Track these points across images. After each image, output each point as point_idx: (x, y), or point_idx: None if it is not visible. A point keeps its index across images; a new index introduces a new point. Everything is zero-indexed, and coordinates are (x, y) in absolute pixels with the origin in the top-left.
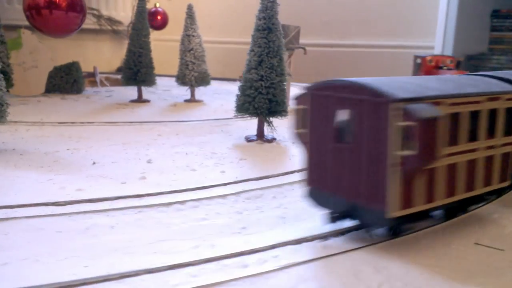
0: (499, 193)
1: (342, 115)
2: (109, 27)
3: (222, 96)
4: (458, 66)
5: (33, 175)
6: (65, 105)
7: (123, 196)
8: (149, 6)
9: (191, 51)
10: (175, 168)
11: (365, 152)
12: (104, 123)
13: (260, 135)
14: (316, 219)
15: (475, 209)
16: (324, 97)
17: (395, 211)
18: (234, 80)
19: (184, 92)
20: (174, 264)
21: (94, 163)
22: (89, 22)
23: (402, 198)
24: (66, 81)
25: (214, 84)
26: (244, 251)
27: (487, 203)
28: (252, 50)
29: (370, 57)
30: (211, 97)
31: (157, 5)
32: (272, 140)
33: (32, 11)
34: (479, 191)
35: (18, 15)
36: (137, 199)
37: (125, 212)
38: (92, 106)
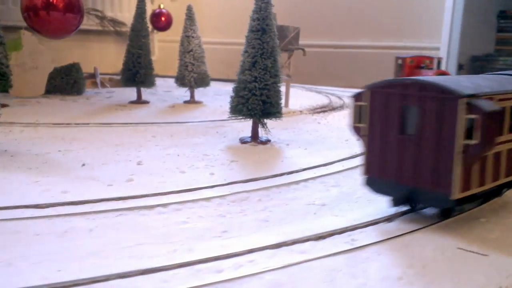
0: None
1: (407, 110)
2: (112, 28)
3: (222, 97)
4: (439, 65)
5: (21, 177)
6: (64, 106)
7: (105, 198)
8: (154, 7)
9: (191, 52)
10: (165, 170)
11: (431, 142)
12: (99, 125)
13: (255, 136)
14: (299, 222)
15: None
16: (386, 94)
17: (456, 194)
18: None
19: (184, 93)
20: (147, 269)
21: (83, 164)
22: (93, 24)
23: (462, 182)
24: (66, 82)
25: (217, 85)
26: (220, 255)
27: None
28: (246, 51)
29: (375, 58)
30: (212, 98)
31: (161, 6)
32: (267, 142)
33: (29, 13)
34: None
35: (18, 16)
36: (120, 201)
37: (106, 215)
38: (91, 107)
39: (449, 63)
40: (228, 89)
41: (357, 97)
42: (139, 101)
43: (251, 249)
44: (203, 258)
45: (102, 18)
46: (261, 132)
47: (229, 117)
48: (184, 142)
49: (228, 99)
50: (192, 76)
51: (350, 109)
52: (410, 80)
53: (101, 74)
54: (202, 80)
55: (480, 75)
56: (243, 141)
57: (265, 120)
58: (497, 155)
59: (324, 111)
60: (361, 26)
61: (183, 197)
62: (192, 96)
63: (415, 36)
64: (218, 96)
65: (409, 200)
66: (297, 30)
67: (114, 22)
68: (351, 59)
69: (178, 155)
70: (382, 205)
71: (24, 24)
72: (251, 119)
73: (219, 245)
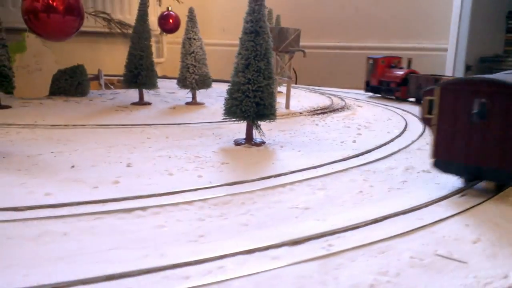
0: None
1: (476, 103)
2: (119, 31)
3: None
4: (409, 65)
5: (7, 179)
6: (65, 108)
7: (84, 201)
8: (162, 9)
9: (192, 54)
10: (153, 172)
11: (498, 128)
12: (96, 126)
13: (249, 138)
14: (278, 227)
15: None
16: (457, 90)
17: None
18: None
19: (188, 94)
20: (111, 275)
21: (72, 166)
22: (100, 26)
23: None
24: (70, 83)
25: (224, 86)
26: (190, 261)
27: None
28: (239, 53)
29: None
30: (214, 100)
31: (170, 8)
32: (261, 144)
33: (30, 15)
34: None
35: (22, 19)
36: (100, 204)
37: (82, 219)
38: (92, 108)
39: (457, 64)
40: None
41: (427, 92)
42: (141, 102)
43: (222, 255)
44: (172, 264)
45: (109, 20)
46: (256, 134)
47: (223, 119)
48: (178, 144)
49: None
50: (193, 78)
51: (421, 102)
52: (479, 79)
53: (108, 75)
54: (204, 82)
55: (500, 73)
56: (237, 143)
57: (260, 122)
58: None
59: (324, 113)
60: (369, 27)
61: (164, 200)
62: (194, 97)
63: (422, 37)
64: (221, 97)
65: (475, 176)
66: (298, 31)
67: (121, 24)
68: (358, 60)
69: (170, 157)
70: (368, 208)
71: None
72: (244, 121)
73: (193, 250)
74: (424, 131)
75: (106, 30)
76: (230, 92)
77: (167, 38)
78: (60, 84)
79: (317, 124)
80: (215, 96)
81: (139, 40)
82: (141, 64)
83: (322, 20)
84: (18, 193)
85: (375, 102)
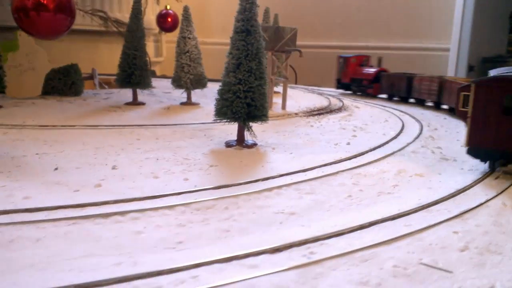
0: None
1: (507, 98)
2: (115, 29)
3: None
4: (380, 63)
5: None
6: (57, 108)
7: (62, 205)
8: (160, 8)
9: (187, 53)
10: (139, 175)
11: None
12: (85, 127)
13: (240, 140)
14: (261, 233)
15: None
16: (490, 87)
17: None
18: None
19: (184, 95)
20: (79, 284)
21: (56, 168)
22: (97, 24)
23: None
24: (64, 83)
25: None
26: (163, 270)
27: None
28: (230, 53)
29: (385, 58)
30: (210, 100)
31: (168, 7)
32: (252, 145)
33: (20, 13)
34: None
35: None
36: (78, 209)
37: (57, 224)
38: (84, 108)
39: (459, 64)
40: None
41: (463, 88)
42: (135, 102)
43: (197, 264)
44: (145, 272)
45: (105, 19)
46: (247, 135)
47: (213, 121)
48: (168, 145)
49: None
50: (188, 77)
51: (457, 97)
52: (508, 78)
53: (105, 75)
54: (199, 82)
55: (501, 68)
56: (228, 145)
57: (252, 124)
58: None
59: (320, 114)
60: (370, 27)
61: (145, 204)
62: (189, 97)
63: (424, 37)
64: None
65: (504, 159)
66: (295, 31)
67: (118, 23)
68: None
69: (158, 159)
70: (355, 214)
71: None
72: (235, 123)
73: (169, 258)
74: (420, 133)
75: (103, 28)
76: (221, 92)
77: (166, 37)
78: (53, 84)
79: (312, 126)
80: (211, 96)
81: (132, 38)
82: (135, 63)
83: (322, 20)
84: None
85: (374, 103)
